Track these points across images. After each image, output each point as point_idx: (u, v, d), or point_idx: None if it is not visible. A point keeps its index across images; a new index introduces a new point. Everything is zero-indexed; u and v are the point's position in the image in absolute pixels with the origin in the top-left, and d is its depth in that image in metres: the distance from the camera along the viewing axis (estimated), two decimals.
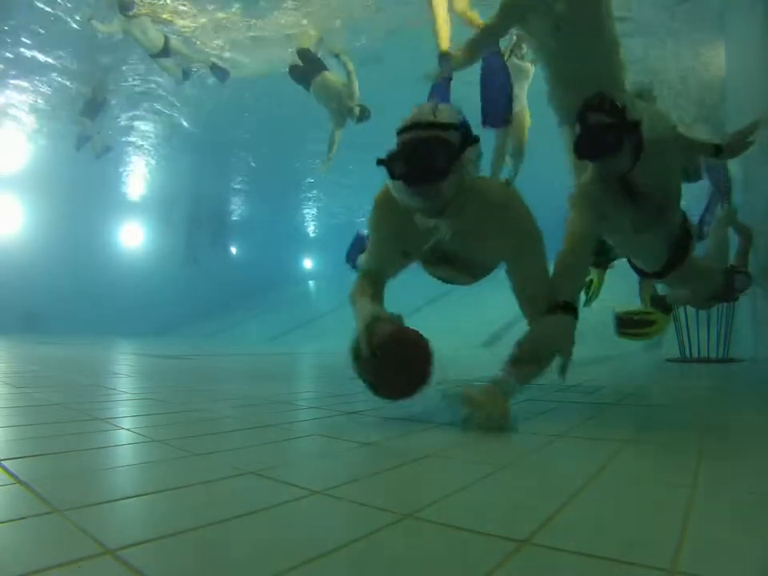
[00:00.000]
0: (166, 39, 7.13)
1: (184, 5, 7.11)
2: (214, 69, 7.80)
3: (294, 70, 5.66)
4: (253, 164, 13.46)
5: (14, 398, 1.78)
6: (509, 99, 3.28)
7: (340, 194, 14.98)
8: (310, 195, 15.54)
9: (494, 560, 0.55)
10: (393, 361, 1.35)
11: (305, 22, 6.78)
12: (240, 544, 0.59)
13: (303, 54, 5.63)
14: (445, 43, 2.96)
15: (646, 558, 0.55)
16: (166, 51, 7.21)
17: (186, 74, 8.01)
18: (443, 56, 2.64)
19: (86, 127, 9.05)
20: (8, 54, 8.22)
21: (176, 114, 11.06)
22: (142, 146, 12.34)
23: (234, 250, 16.98)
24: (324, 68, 5.54)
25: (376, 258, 1.64)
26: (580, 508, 0.72)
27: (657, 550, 0.57)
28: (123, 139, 11.61)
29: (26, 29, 7.54)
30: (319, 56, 5.76)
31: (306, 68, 5.54)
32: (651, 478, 0.90)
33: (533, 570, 0.54)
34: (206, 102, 10.50)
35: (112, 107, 9.76)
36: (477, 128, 1.50)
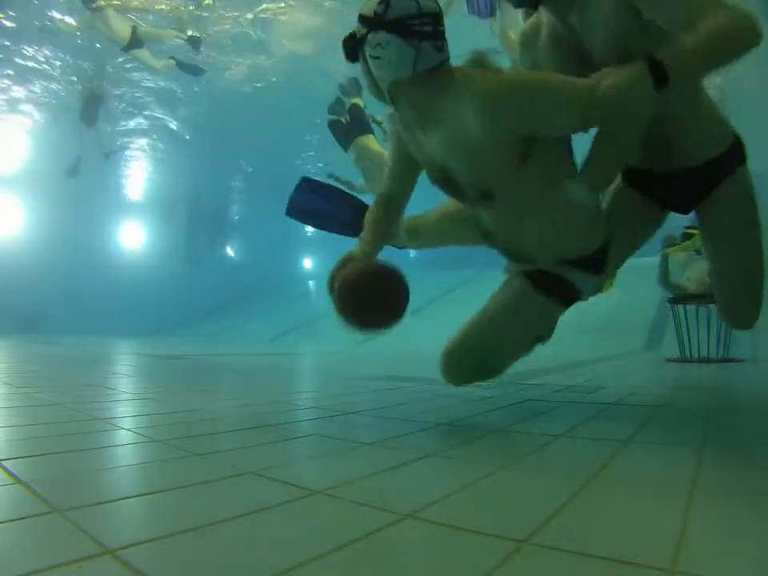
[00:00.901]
0: (133, 29, 6.91)
1: None
2: (191, 40, 7.67)
3: (335, 127, 4.83)
4: (250, 168, 13.44)
5: (14, 398, 1.78)
6: None
7: None
8: None
9: (493, 560, 0.55)
10: (349, 301, 1.39)
11: None
12: (240, 544, 0.59)
13: (355, 109, 4.80)
14: None
15: (646, 558, 0.55)
16: (136, 41, 6.99)
17: (196, 45, 7.85)
18: None
19: (83, 137, 8.89)
20: (9, 53, 8.22)
21: (172, 117, 11.04)
22: (142, 146, 12.34)
23: (233, 249, 16.97)
24: (370, 131, 4.75)
25: (390, 171, 1.58)
26: (580, 508, 0.72)
27: (657, 549, 0.57)
28: (123, 140, 11.61)
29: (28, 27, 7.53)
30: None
31: (351, 127, 4.75)
32: (651, 477, 0.90)
33: (533, 569, 0.54)
34: (205, 100, 10.48)
35: (111, 105, 9.68)
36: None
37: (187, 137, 11.84)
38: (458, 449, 1.10)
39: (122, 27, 6.85)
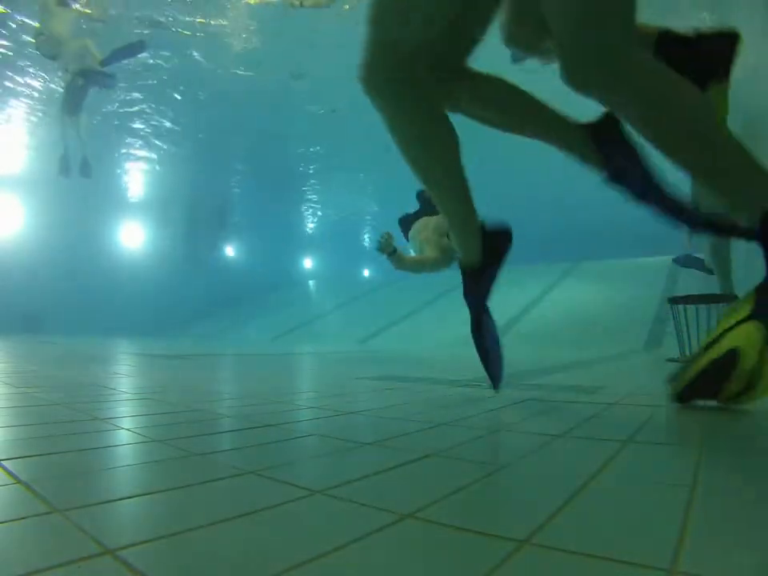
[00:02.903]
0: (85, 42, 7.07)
1: None
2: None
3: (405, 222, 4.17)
4: (250, 167, 13.40)
5: (14, 398, 1.78)
6: None
7: (340, 195, 14.99)
8: (310, 196, 15.55)
9: (493, 560, 0.55)
10: None
11: None
12: (240, 544, 0.59)
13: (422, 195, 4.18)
14: None
15: (646, 558, 0.55)
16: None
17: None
18: None
19: (65, 136, 8.76)
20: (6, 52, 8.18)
21: (170, 116, 11.01)
22: (140, 145, 12.32)
23: (233, 249, 16.98)
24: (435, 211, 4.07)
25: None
26: (580, 508, 0.72)
27: (657, 549, 0.57)
28: (121, 139, 11.58)
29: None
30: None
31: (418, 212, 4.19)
32: (651, 477, 0.90)
33: (533, 569, 0.54)
34: (204, 97, 10.46)
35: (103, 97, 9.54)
36: None
37: (186, 136, 11.83)
38: (458, 449, 1.10)
39: (59, 23, 6.96)
